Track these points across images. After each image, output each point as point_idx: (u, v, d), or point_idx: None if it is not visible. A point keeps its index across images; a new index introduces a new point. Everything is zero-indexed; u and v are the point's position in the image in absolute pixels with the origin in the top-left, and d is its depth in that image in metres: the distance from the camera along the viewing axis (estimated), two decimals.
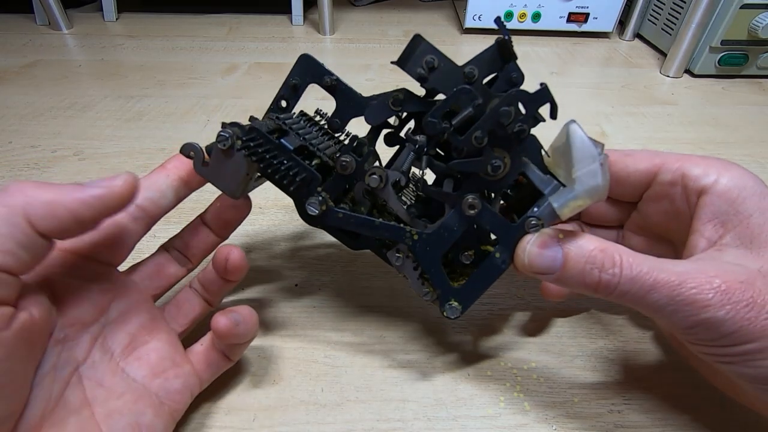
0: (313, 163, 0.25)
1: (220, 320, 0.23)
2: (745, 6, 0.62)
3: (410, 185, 0.28)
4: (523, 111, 0.22)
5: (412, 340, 0.31)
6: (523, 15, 0.83)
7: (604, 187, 0.21)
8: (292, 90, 0.26)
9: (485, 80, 0.24)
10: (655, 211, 0.26)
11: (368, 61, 0.75)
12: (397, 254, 0.25)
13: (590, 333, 0.32)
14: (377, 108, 0.23)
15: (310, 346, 0.30)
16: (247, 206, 0.27)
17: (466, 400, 0.27)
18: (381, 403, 0.27)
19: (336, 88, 0.26)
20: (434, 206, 0.25)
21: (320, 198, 0.23)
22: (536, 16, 0.83)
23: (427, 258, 0.24)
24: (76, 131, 0.53)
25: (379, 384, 0.28)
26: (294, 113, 0.28)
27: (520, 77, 0.23)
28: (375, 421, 0.26)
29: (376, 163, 0.26)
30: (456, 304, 0.24)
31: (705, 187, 0.22)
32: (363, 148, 0.24)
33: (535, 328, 0.32)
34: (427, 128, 0.22)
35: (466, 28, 0.86)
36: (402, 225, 0.24)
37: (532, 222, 0.22)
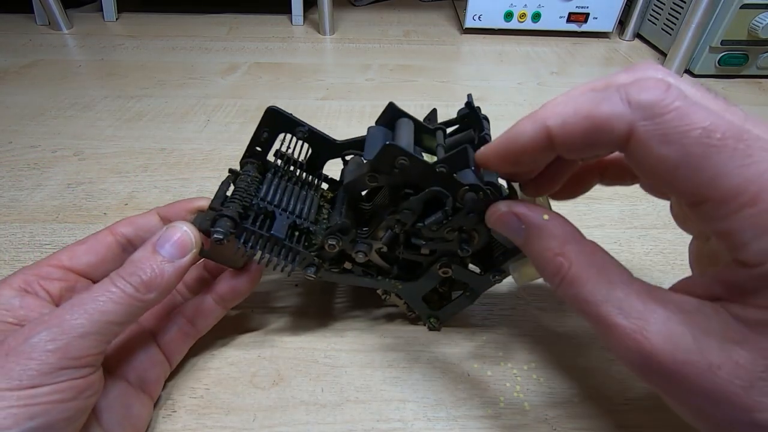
0: (304, 228, 0.27)
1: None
2: (745, 6, 0.62)
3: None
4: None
5: (412, 340, 0.31)
6: (523, 15, 0.83)
7: None
8: (264, 142, 0.28)
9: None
10: None
11: (368, 61, 0.75)
12: (385, 294, 0.30)
13: (590, 333, 0.31)
14: (356, 182, 0.25)
15: (310, 346, 0.30)
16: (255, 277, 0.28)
17: (466, 400, 0.27)
18: (381, 403, 0.27)
19: (310, 138, 0.28)
20: (413, 262, 0.29)
21: (315, 267, 0.27)
22: (536, 16, 0.83)
23: (410, 298, 0.30)
24: (76, 131, 0.53)
25: (379, 384, 0.28)
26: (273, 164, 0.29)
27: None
28: (375, 421, 0.26)
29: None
30: (435, 320, 0.31)
31: (745, 261, 0.15)
32: (346, 228, 0.26)
33: (535, 328, 0.32)
34: (402, 217, 0.25)
35: (466, 28, 0.86)
36: (388, 279, 0.28)
37: (496, 277, 0.28)
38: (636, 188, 0.27)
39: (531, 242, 0.20)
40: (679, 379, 0.16)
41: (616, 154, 0.23)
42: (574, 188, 0.26)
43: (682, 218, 0.23)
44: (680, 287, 0.18)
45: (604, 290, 0.17)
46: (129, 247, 0.26)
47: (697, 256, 0.23)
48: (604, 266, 0.18)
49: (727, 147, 0.14)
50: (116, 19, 0.89)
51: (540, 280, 0.29)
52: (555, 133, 0.17)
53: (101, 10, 0.89)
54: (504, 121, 0.58)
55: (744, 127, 0.15)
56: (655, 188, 0.24)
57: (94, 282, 0.25)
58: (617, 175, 0.25)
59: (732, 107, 0.16)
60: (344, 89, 0.64)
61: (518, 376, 0.29)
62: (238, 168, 0.28)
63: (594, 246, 0.19)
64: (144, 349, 0.26)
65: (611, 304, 0.17)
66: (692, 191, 0.15)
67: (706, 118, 0.15)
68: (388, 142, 0.23)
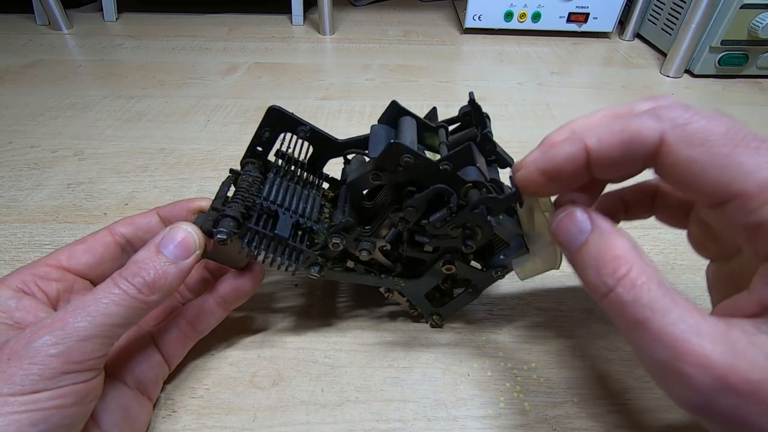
0: (307, 227, 0.27)
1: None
2: (745, 6, 0.62)
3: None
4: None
5: (412, 340, 0.31)
6: (523, 15, 0.83)
7: (558, 263, 0.23)
8: (265, 141, 0.28)
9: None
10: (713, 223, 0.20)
11: (368, 61, 0.75)
12: (387, 292, 0.30)
13: (590, 333, 0.32)
14: (360, 180, 0.25)
15: (310, 346, 0.30)
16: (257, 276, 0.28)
17: (466, 400, 0.27)
18: (381, 403, 0.27)
19: (311, 137, 0.28)
20: (416, 260, 0.29)
21: (318, 266, 0.27)
22: (536, 16, 0.83)
23: (413, 295, 0.30)
24: (76, 131, 0.53)
25: (379, 384, 0.28)
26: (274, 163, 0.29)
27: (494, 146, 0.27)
28: (375, 421, 0.26)
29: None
30: (438, 317, 0.31)
31: None
32: (350, 227, 0.26)
33: (535, 328, 0.32)
34: (406, 215, 0.25)
35: (466, 28, 0.86)
36: (391, 277, 0.28)
37: (499, 273, 0.28)
38: None
39: (594, 242, 0.19)
40: (756, 401, 0.15)
41: (638, 187, 0.25)
42: None
43: (700, 242, 0.23)
44: (725, 309, 0.18)
45: (668, 302, 0.16)
46: (128, 247, 0.26)
47: (715, 279, 0.23)
48: (664, 283, 0.17)
49: (750, 146, 0.16)
50: (116, 19, 0.89)
51: (540, 277, 0.29)
52: (593, 149, 0.18)
53: (101, 10, 0.89)
54: (504, 120, 0.58)
55: (760, 134, 0.16)
56: (674, 217, 0.25)
57: (92, 282, 0.25)
58: (638, 209, 0.26)
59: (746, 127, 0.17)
60: (344, 89, 0.64)
61: (518, 376, 0.29)
62: (238, 168, 0.28)
63: (653, 264, 0.18)
64: (142, 351, 0.25)
65: (677, 318, 0.16)
66: (721, 189, 0.16)
67: (725, 124, 0.16)
68: (393, 141, 0.23)
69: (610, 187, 0.22)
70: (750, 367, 0.15)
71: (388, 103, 0.28)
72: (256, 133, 0.27)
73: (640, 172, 0.19)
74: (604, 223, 0.19)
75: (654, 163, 0.18)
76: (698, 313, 0.16)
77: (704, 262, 0.24)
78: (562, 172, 0.19)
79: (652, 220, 0.42)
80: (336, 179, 0.31)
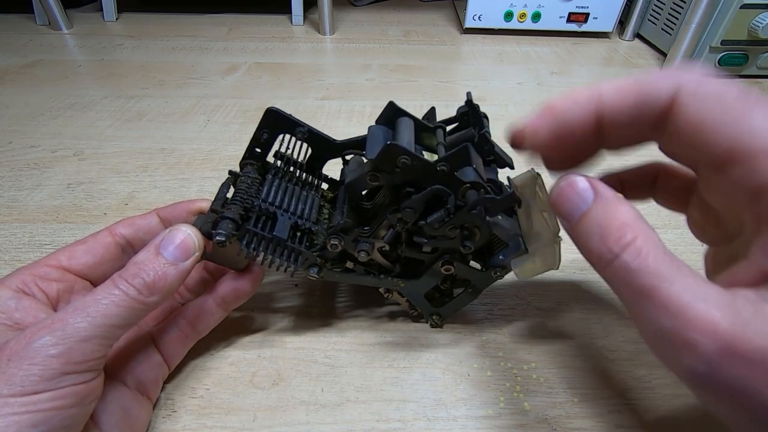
0: (305, 228, 0.27)
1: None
2: (745, 6, 0.62)
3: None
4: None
5: (412, 340, 0.31)
6: (523, 15, 0.83)
7: (557, 263, 0.23)
8: (264, 143, 0.28)
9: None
10: (715, 186, 0.19)
11: (368, 61, 0.75)
12: (387, 293, 0.30)
13: (590, 333, 0.32)
14: (357, 182, 0.25)
15: (310, 346, 0.30)
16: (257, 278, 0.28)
17: (466, 400, 0.27)
18: (381, 403, 0.27)
19: (309, 138, 0.28)
20: (415, 260, 0.29)
21: (317, 267, 0.27)
22: (536, 16, 0.83)
23: (412, 295, 0.30)
24: (76, 131, 0.53)
25: (379, 384, 0.28)
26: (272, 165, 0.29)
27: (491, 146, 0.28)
28: (375, 421, 0.26)
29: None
30: (437, 317, 0.31)
31: None
32: (349, 228, 0.26)
33: (535, 328, 0.32)
34: (404, 216, 0.25)
35: (466, 28, 0.86)
36: (390, 277, 0.28)
37: (498, 273, 0.28)
38: None
39: (599, 209, 0.18)
40: (763, 369, 0.14)
41: (639, 168, 0.24)
42: None
43: (700, 226, 0.23)
44: (723, 282, 0.17)
45: (673, 270, 0.16)
46: (128, 248, 0.26)
47: (714, 264, 0.23)
48: (667, 251, 0.17)
49: (764, 107, 0.16)
50: (116, 19, 0.89)
51: (540, 277, 0.29)
52: (608, 97, 0.18)
53: (101, 10, 0.89)
54: (504, 121, 0.58)
55: None
56: (675, 199, 0.24)
57: (93, 283, 0.25)
58: (637, 190, 0.26)
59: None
60: (344, 89, 0.64)
61: (518, 376, 0.29)
62: (237, 169, 0.28)
63: (657, 234, 0.18)
64: (142, 352, 0.25)
65: (683, 286, 0.15)
66: (730, 147, 0.16)
67: (740, 88, 0.16)
68: (389, 142, 0.23)
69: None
70: (758, 334, 0.14)
71: (388, 102, 0.28)
72: (254, 134, 0.27)
73: (645, 139, 0.19)
74: (607, 191, 0.19)
75: (663, 124, 0.18)
76: (704, 281, 0.16)
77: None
78: (570, 124, 0.19)
79: (652, 220, 0.42)
80: (335, 180, 0.31)
